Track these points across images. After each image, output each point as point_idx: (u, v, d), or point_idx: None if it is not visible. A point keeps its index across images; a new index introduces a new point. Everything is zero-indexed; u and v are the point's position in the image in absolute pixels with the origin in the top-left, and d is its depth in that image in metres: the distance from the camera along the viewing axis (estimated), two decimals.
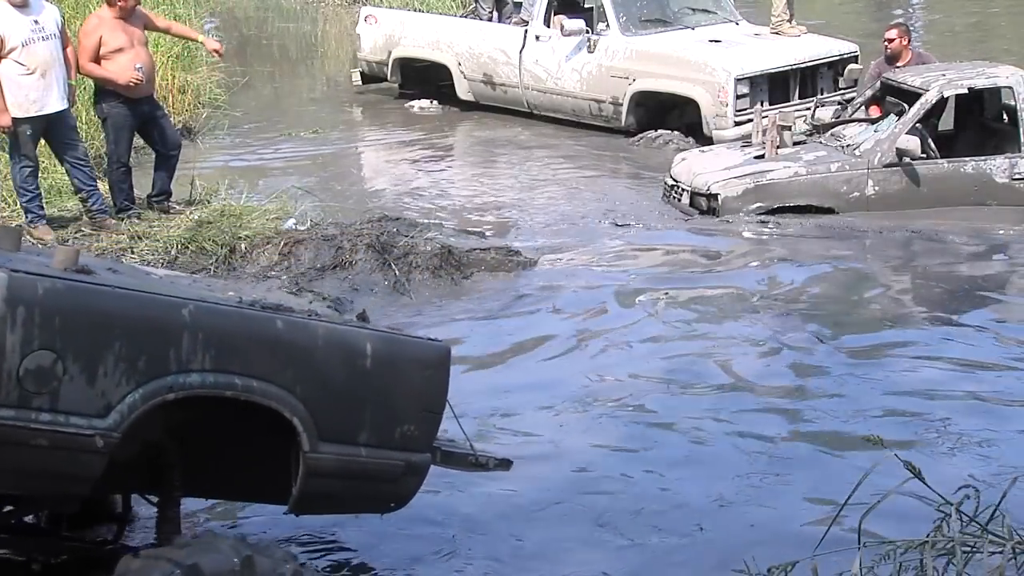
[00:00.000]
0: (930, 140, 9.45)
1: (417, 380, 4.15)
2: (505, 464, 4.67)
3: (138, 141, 9.63)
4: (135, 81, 8.66)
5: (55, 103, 8.29)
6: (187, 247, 8.28)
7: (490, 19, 13.48)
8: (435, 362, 4.22)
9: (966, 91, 9.63)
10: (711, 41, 12.00)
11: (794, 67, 11.80)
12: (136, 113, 8.88)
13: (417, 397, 4.16)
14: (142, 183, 9.40)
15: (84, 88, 9.28)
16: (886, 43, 10.38)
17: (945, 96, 9.55)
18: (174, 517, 4.22)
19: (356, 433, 4.01)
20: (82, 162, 8.64)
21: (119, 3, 8.60)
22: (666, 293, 8.03)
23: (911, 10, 20.40)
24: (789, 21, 12.53)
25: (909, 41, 10.51)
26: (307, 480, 3.91)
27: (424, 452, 4.23)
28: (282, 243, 8.32)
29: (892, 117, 9.66)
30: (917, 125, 9.33)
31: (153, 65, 9.12)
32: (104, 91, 8.82)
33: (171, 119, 10.15)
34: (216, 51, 9.53)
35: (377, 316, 7.64)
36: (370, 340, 4.05)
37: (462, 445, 4.54)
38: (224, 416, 3.92)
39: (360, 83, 14.22)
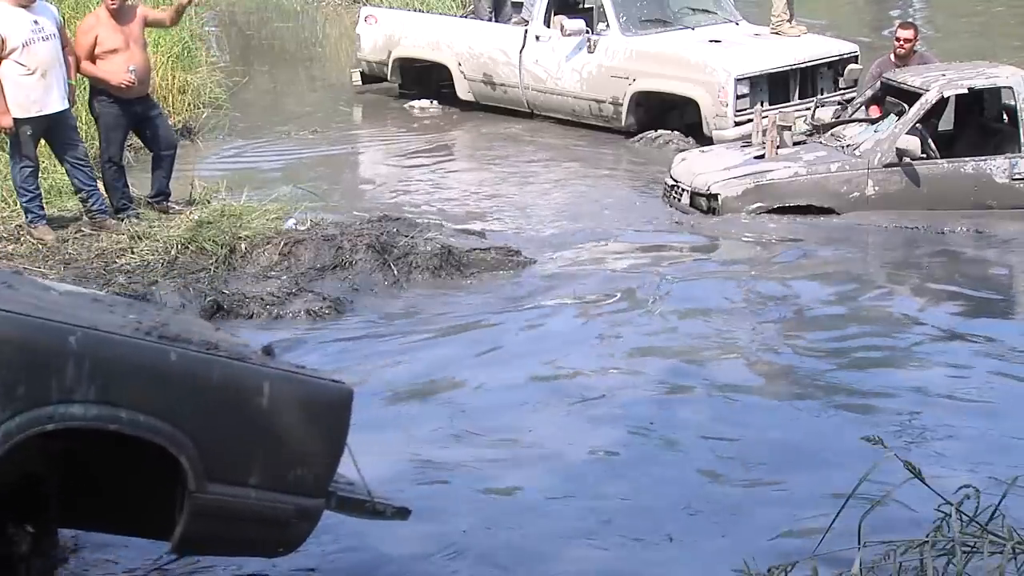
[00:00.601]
0: (930, 140, 9.45)
1: (316, 422, 4.00)
2: (403, 513, 4.50)
3: (137, 142, 9.63)
4: (127, 83, 8.65)
5: (55, 103, 8.29)
6: (187, 247, 8.27)
7: (490, 19, 13.48)
8: (336, 404, 4.07)
9: (966, 91, 9.63)
10: (711, 41, 12.01)
11: (794, 67, 11.80)
12: (129, 113, 8.87)
13: (314, 440, 4.00)
14: (142, 183, 9.40)
15: (84, 88, 9.28)
16: (902, 42, 10.35)
17: (945, 96, 9.55)
18: (48, 550, 4.08)
19: (247, 474, 3.85)
20: (82, 162, 8.64)
21: (108, 2, 8.61)
22: (665, 293, 8.02)
23: (912, 9, 20.39)
24: (789, 21, 12.54)
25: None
26: (191, 520, 3.76)
27: (318, 497, 4.10)
28: (282, 243, 8.32)
29: (892, 117, 9.66)
30: (917, 125, 9.33)
31: (148, 66, 9.10)
32: (97, 90, 8.82)
33: (169, 119, 10.13)
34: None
35: (377, 316, 7.67)
36: (268, 379, 3.89)
37: (360, 490, 4.37)
38: (109, 447, 3.77)
39: (360, 83, 14.21)
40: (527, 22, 12.70)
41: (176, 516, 3.79)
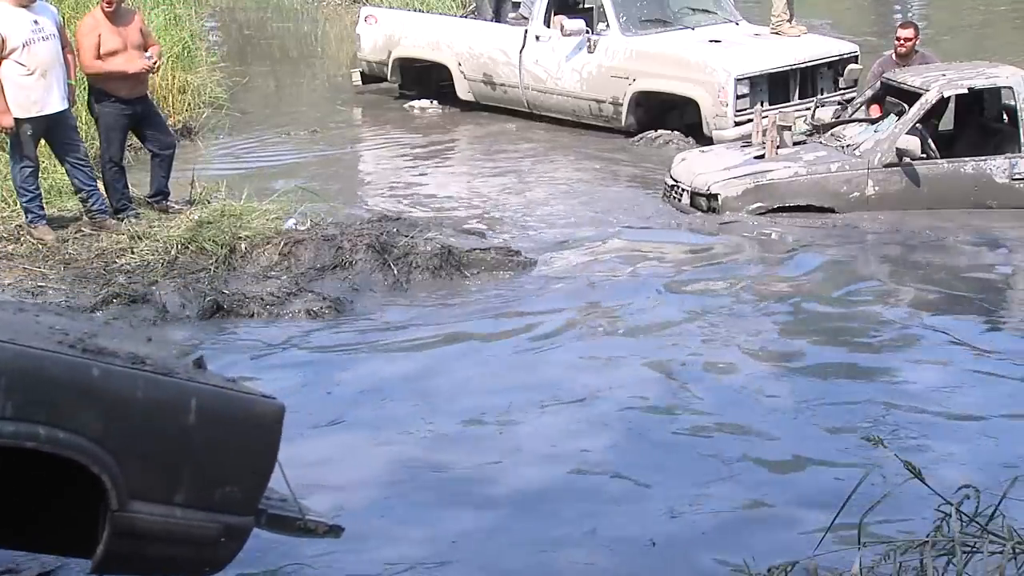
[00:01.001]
0: (930, 140, 9.45)
1: (245, 439, 3.90)
2: (335, 531, 4.34)
3: (136, 141, 9.63)
4: (146, 68, 8.77)
5: (56, 103, 8.29)
6: (187, 247, 8.27)
7: (493, 20, 13.47)
8: (266, 420, 3.95)
9: (966, 91, 9.63)
10: (711, 41, 12.01)
11: (794, 67, 11.81)
12: (129, 113, 8.89)
13: (243, 457, 3.91)
14: (142, 183, 9.40)
15: (84, 88, 9.28)
16: (902, 41, 10.37)
17: (945, 96, 9.55)
18: None
19: (172, 493, 3.75)
20: (82, 162, 8.64)
21: (104, 3, 8.63)
22: (664, 294, 8.02)
23: (911, 9, 20.40)
24: (789, 21, 12.54)
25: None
26: (113, 539, 3.65)
27: (247, 515, 3.98)
28: (282, 243, 8.32)
29: (892, 117, 9.66)
30: (917, 125, 9.33)
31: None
32: (97, 91, 8.82)
33: (169, 119, 10.13)
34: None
35: (376, 316, 7.67)
36: (196, 394, 3.78)
37: (291, 507, 4.26)
38: (29, 462, 3.67)
39: (360, 83, 14.23)
40: (525, 18, 12.71)
41: (99, 534, 3.69)
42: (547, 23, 12.43)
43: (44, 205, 8.70)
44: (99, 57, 8.66)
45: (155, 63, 8.99)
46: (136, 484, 3.65)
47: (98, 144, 9.16)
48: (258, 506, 4.05)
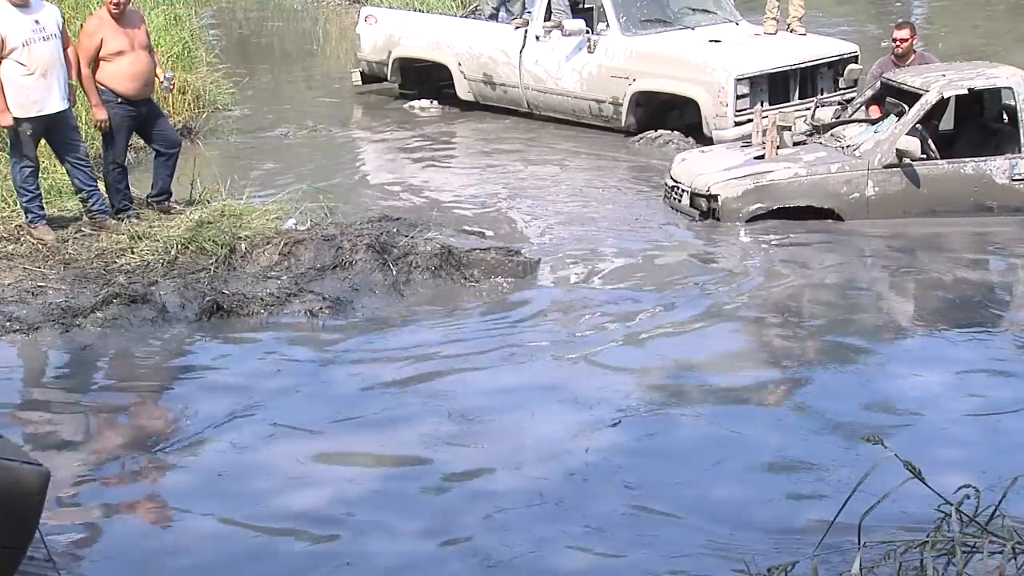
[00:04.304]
0: (930, 141, 9.44)
1: (1, 508, 3.60)
2: None
3: (139, 141, 9.63)
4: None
5: (56, 103, 8.29)
6: (187, 247, 8.28)
7: (491, 19, 13.47)
8: (26, 489, 3.65)
9: (966, 92, 9.63)
10: (711, 41, 12.01)
11: (794, 67, 11.81)
12: (134, 115, 8.89)
13: None
14: (142, 183, 9.40)
15: None
16: (898, 42, 10.37)
17: (945, 97, 9.55)
18: None
19: None
20: (83, 162, 8.64)
21: (110, 4, 8.62)
22: (663, 296, 8.02)
23: (911, 9, 20.41)
24: (775, 20, 12.55)
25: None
26: None
27: None
28: (282, 243, 8.32)
29: (892, 118, 9.65)
30: (917, 126, 9.32)
31: (154, 69, 9.07)
32: (105, 92, 8.81)
33: (170, 119, 10.15)
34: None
35: (376, 316, 7.67)
36: None
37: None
38: None
39: (360, 83, 14.24)
40: (528, 23, 12.71)
41: None
42: (548, 19, 12.44)
43: (44, 205, 8.70)
44: (97, 61, 8.65)
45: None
46: None
47: (99, 144, 9.15)
48: None
